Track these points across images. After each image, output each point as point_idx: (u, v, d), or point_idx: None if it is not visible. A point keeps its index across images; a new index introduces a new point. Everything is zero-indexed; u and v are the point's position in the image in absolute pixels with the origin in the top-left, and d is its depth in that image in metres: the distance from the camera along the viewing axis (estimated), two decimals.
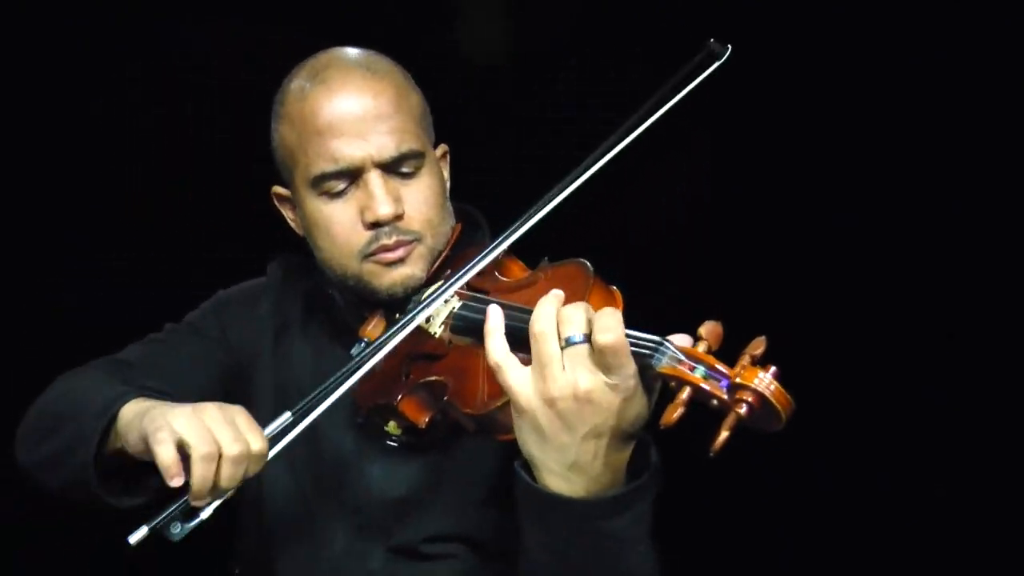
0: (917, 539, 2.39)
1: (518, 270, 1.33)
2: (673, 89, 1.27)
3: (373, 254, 1.33)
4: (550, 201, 1.25)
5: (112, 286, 2.37)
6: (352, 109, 1.32)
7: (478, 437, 1.20)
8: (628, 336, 1.00)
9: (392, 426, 1.30)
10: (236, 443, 1.11)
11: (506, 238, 1.25)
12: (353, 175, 1.33)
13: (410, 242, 1.34)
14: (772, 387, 0.95)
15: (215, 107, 2.37)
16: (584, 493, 1.03)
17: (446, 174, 1.45)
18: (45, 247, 2.38)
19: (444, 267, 1.36)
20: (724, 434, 0.95)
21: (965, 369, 2.35)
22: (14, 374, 2.30)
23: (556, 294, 1.04)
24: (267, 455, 1.14)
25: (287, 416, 1.18)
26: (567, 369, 1.00)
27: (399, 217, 1.33)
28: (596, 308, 1.03)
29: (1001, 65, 2.26)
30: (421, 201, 1.35)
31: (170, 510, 1.11)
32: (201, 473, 1.09)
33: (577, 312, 1.02)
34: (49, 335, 2.34)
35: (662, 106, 1.26)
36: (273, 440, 1.16)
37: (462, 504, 1.35)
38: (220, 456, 1.10)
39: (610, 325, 0.99)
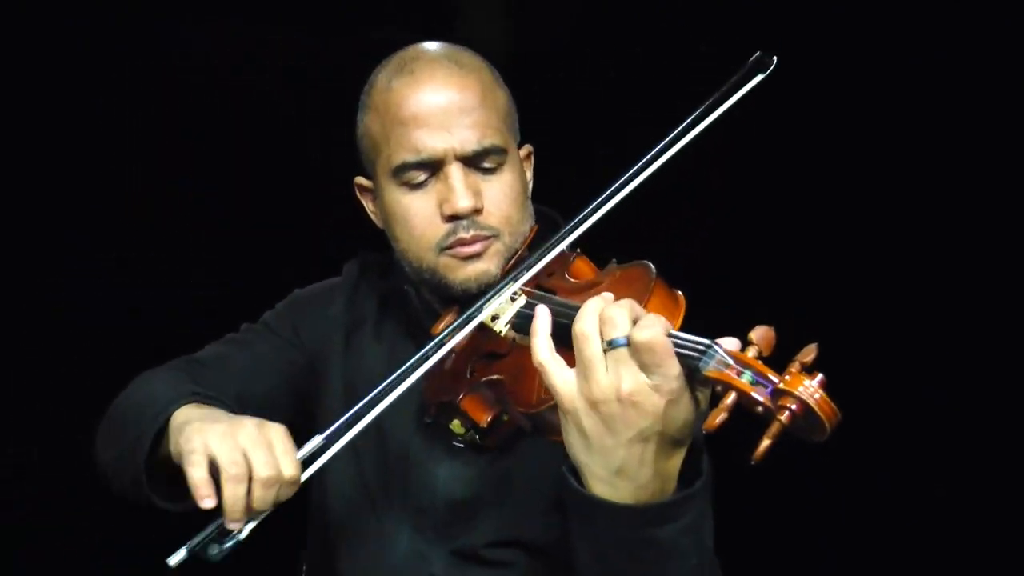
0: (917, 539, 2.39)
1: (588, 271, 1.31)
2: (724, 95, 1.25)
3: (450, 247, 1.33)
4: (607, 203, 1.23)
5: (112, 286, 2.36)
6: (437, 101, 1.32)
7: (537, 438, 1.18)
8: (676, 338, 0.98)
9: (456, 424, 1.29)
10: (267, 467, 1.10)
11: (557, 242, 1.24)
12: (434, 167, 1.33)
13: (487, 238, 1.33)
14: (817, 395, 0.92)
15: (215, 107, 2.37)
16: (631, 500, 1.01)
17: (529, 175, 1.44)
18: (45, 247, 2.37)
19: (517, 267, 1.34)
20: (766, 442, 0.91)
21: (965, 369, 2.35)
22: (14, 374, 2.31)
23: (604, 296, 1.02)
24: (299, 481, 1.13)
25: (318, 440, 1.17)
26: (610, 371, 0.98)
27: (478, 211, 1.33)
28: (655, 311, 1.00)
29: (1001, 65, 2.26)
30: (501, 198, 1.34)
31: (208, 531, 1.10)
32: (231, 494, 1.09)
33: (620, 313, 0.99)
34: (49, 335, 2.34)
35: (717, 111, 1.25)
36: (307, 463, 1.15)
37: (526, 510, 1.34)
38: (251, 478, 1.09)
39: (650, 323, 0.97)
